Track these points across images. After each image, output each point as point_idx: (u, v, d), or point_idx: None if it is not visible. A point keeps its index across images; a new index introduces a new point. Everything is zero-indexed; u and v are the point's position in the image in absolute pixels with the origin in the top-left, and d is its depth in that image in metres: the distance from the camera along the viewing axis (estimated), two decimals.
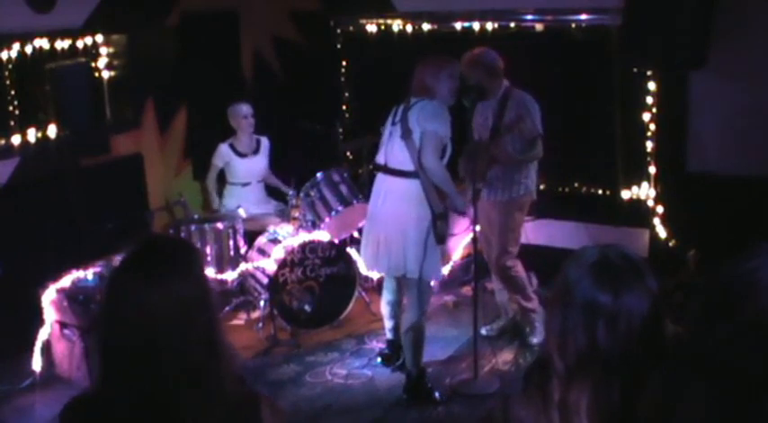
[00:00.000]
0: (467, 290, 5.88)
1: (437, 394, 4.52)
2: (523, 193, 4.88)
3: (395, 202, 4.34)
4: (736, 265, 1.55)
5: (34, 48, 5.15)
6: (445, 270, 5.86)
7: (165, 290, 1.57)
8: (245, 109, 5.86)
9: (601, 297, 1.57)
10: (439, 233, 4.29)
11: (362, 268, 5.44)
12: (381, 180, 4.46)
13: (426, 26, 6.28)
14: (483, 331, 5.09)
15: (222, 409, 1.60)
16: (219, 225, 5.35)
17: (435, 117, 4.22)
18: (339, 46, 6.79)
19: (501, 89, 4.83)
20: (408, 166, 4.28)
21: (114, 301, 1.60)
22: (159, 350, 1.55)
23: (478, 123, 4.92)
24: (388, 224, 4.37)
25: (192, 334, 1.58)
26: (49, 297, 4.67)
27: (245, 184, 5.95)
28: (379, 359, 4.92)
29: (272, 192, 6.19)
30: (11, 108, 5.16)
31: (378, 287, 5.79)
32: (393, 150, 4.36)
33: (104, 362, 1.62)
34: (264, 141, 6.03)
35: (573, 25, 5.72)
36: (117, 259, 4.86)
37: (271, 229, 5.64)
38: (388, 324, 4.83)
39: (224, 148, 5.87)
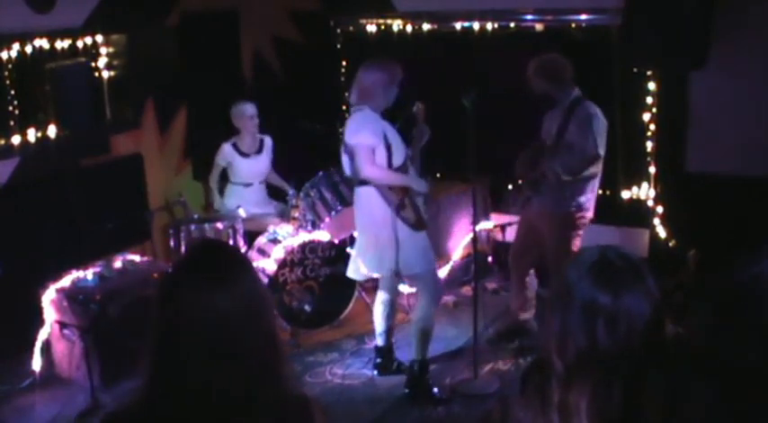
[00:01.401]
0: (467, 290, 5.87)
1: (436, 390, 4.54)
2: (575, 210, 4.68)
3: (360, 208, 4.48)
4: (741, 268, 1.55)
5: (34, 48, 5.14)
6: (445, 270, 5.87)
7: (235, 290, 1.56)
8: (250, 109, 5.83)
9: (600, 297, 1.57)
10: (410, 222, 4.32)
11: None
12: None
13: (426, 26, 6.28)
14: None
15: (284, 410, 1.61)
16: (219, 225, 5.35)
17: (360, 128, 4.25)
18: (339, 46, 6.79)
19: (569, 98, 4.65)
20: (355, 175, 4.37)
21: (180, 306, 1.56)
22: (232, 352, 1.54)
23: (545, 130, 4.80)
24: (362, 232, 4.52)
25: (260, 333, 1.58)
26: (49, 297, 4.67)
27: (247, 185, 5.93)
28: (375, 372, 4.85)
29: (272, 192, 6.18)
30: (11, 108, 5.15)
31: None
32: (343, 161, 4.47)
33: (163, 369, 1.57)
34: (267, 141, 6.01)
35: (573, 25, 5.72)
36: (118, 261, 4.90)
37: (271, 229, 5.64)
38: (379, 327, 4.78)
39: (227, 148, 5.86)
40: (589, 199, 4.72)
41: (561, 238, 4.69)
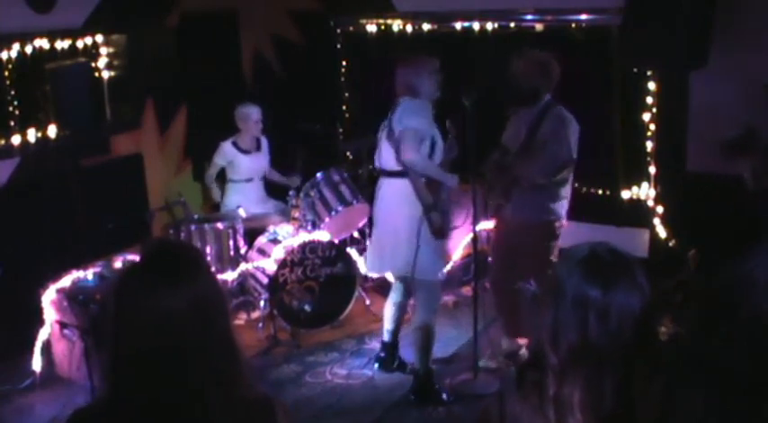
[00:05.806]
0: (467, 290, 5.87)
1: (445, 395, 4.51)
2: (553, 219, 4.50)
3: (387, 203, 4.41)
4: (734, 266, 1.56)
5: (34, 48, 5.15)
6: (445, 270, 5.86)
7: (187, 292, 1.55)
8: (256, 114, 5.83)
9: (590, 291, 1.59)
10: (435, 226, 4.29)
11: (362, 268, 5.46)
12: (379, 182, 4.52)
13: (426, 26, 6.28)
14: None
15: (242, 412, 1.60)
16: (219, 225, 5.35)
17: (413, 114, 4.23)
18: (339, 46, 6.79)
19: (542, 101, 4.47)
20: (394, 165, 4.32)
21: (131, 306, 1.56)
22: (183, 354, 1.53)
23: (509, 134, 4.65)
24: (383, 224, 4.44)
25: (212, 335, 1.57)
26: (49, 297, 4.66)
27: (247, 180, 5.94)
28: (376, 365, 4.85)
29: (272, 191, 6.18)
30: (11, 108, 5.16)
31: (378, 287, 5.80)
32: (382, 152, 4.42)
33: (119, 370, 1.57)
34: (263, 140, 6.03)
35: (573, 25, 5.72)
36: (118, 261, 4.89)
37: (271, 229, 5.64)
38: (387, 325, 4.79)
39: (227, 147, 5.87)
40: (563, 205, 4.57)
41: (541, 249, 4.51)
